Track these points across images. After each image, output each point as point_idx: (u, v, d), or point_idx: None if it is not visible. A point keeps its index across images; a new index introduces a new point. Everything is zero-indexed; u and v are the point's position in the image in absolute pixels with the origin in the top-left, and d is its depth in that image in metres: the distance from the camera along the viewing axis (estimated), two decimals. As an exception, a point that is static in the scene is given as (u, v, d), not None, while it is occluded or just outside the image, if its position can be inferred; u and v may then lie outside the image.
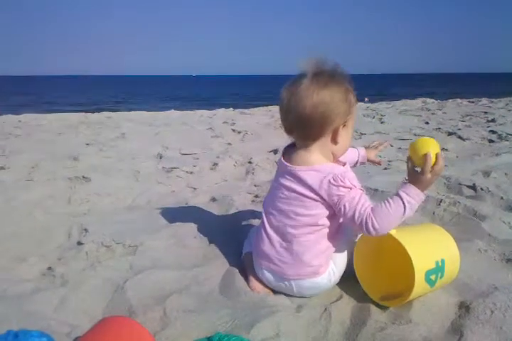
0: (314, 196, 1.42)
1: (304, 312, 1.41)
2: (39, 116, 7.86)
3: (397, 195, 1.39)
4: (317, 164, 1.44)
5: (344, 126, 1.44)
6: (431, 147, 1.39)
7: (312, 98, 1.37)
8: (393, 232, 1.36)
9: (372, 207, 1.38)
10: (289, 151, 1.53)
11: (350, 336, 1.31)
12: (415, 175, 1.42)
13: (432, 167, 1.38)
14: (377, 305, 1.42)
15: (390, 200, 1.38)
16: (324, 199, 1.41)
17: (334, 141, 1.45)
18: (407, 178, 1.47)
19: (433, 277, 1.34)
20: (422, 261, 1.32)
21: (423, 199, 1.41)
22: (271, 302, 1.46)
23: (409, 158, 1.45)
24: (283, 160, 1.51)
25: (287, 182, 1.48)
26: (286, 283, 1.53)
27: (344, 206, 1.39)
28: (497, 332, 1.26)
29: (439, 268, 1.35)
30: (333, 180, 1.39)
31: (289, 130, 1.48)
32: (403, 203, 1.37)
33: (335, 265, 1.53)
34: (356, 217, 1.37)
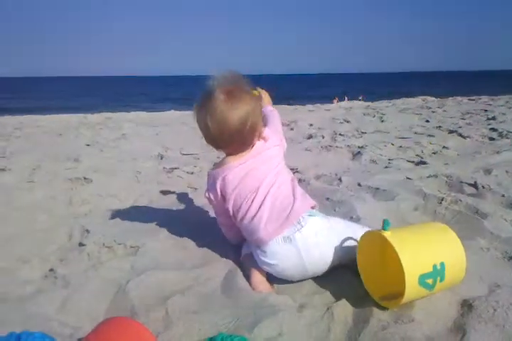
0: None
1: (306, 311, 1.41)
2: (39, 118, 7.88)
3: (267, 111, 1.87)
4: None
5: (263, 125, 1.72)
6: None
7: (237, 115, 1.55)
8: (388, 234, 1.34)
9: (270, 129, 1.76)
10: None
11: (352, 335, 1.31)
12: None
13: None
14: (380, 304, 1.42)
15: (269, 114, 1.87)
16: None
17: (261, 137, 1.68)
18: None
19: (430, 281, 1.31)
20: (415, 265, 1.29)
21: None
22: (273, 301, 1.46)
23: None
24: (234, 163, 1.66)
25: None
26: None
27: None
28: (500, 331, 1.25)
29: (438, 272, 1.33)
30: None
31: (222, 146, 1.66)
32: (274, 110, 1.94)
33: None
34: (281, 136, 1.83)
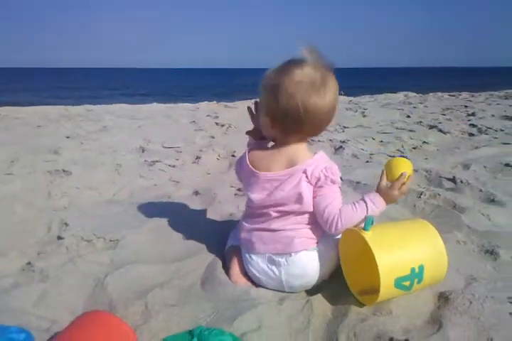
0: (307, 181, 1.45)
1: (285, 304, 1.41)
2: (19, 109, 7.70)
3: (364, 201, 1.47)
4: (308, 158, 1.46)
5: None
6: (407, 168, 1.51)
7: (328, 96, 1.38)
8: (368, 235, 1.33)
9: (340, 208, 1.44)
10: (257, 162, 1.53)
11: (331, 327, 1.32)
12: (385, 188, 1.48)
13: (401, 186, 1.47)
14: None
15: (357, 204, 1.46)
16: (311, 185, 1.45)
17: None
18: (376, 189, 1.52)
19: (407, 283, 1.31)
20: (392, 269, 1.30)
21: (383, 210, 1.49)
22: (253, 295, 1.47)
23: (383, 172, 1.53)
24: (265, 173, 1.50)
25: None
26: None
27: (321, 197, 1.45)
28: (475, 323, 1.28)
29: (416, 275, 1.33)
30: (326, 170, 1.43)
31: (282, 121, 1.42)
32: (367, 210, 1.45)
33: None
34: (326, 213, 1.44)
